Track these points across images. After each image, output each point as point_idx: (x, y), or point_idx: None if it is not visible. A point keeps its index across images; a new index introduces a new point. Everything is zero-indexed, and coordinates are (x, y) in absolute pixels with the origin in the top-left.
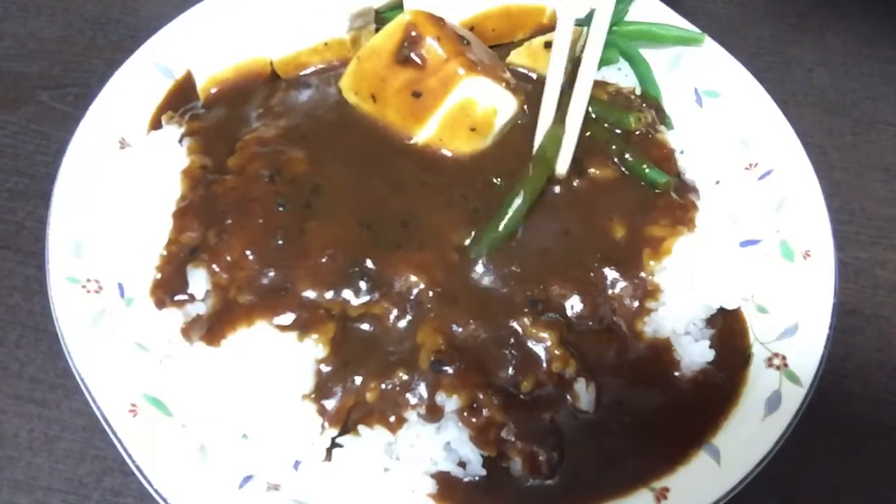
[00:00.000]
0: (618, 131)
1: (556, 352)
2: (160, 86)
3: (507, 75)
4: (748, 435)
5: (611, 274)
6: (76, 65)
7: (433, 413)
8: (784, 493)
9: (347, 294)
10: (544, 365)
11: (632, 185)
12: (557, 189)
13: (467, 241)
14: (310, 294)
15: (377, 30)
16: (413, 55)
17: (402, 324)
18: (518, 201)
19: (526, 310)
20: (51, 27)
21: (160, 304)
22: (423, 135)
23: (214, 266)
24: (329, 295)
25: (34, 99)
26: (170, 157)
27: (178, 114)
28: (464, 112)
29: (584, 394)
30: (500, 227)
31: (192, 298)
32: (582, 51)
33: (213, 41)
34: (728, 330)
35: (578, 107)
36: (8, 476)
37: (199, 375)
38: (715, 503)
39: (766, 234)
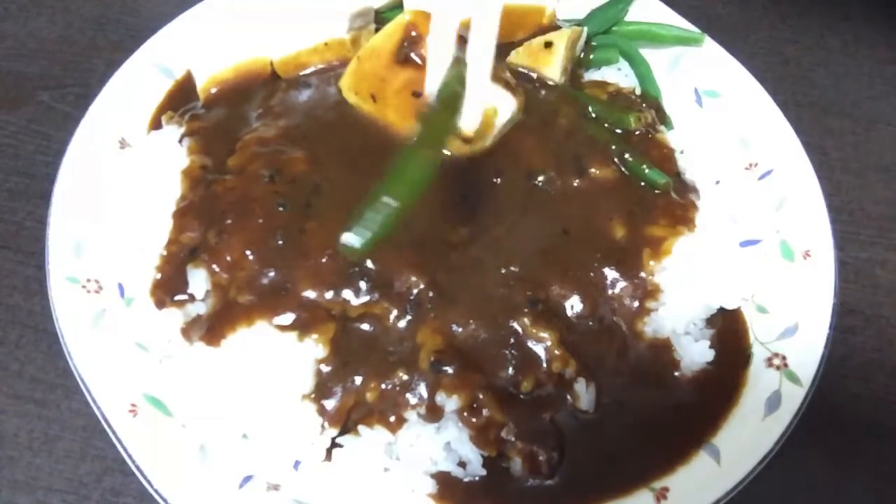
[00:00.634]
0: (618, 131)
1: (556, 352)
2: (160, 86)
3: (507, 75)
4: (748, 435)
5: (611, 274)
6: (76, 65)
7: (433, 413)
8: (784, 493)
9: (347, 294)
10: (544, 365)
11: (632, 185)
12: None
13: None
14: (310, 294)
15: (377, 30)
16: (413, 55)
17: (402, 324)
18: (408, 161)
19: (526, 310)
20: (51, 27)
21: (160, 304)
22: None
23: (214, 266)
24: (329, 295)
25: (34, 99)
26: (170, 157)
27: (178, 114)
28: None
29: (584, 394)
30: (382, 201)
31: (192, 298)
32: (582, 51)
33: (213, 41)
34: (728, 330)
35: (482, 45)
36: (8, 476)
37: (199, 375)
38: (715, 503)
39: (766, 234)
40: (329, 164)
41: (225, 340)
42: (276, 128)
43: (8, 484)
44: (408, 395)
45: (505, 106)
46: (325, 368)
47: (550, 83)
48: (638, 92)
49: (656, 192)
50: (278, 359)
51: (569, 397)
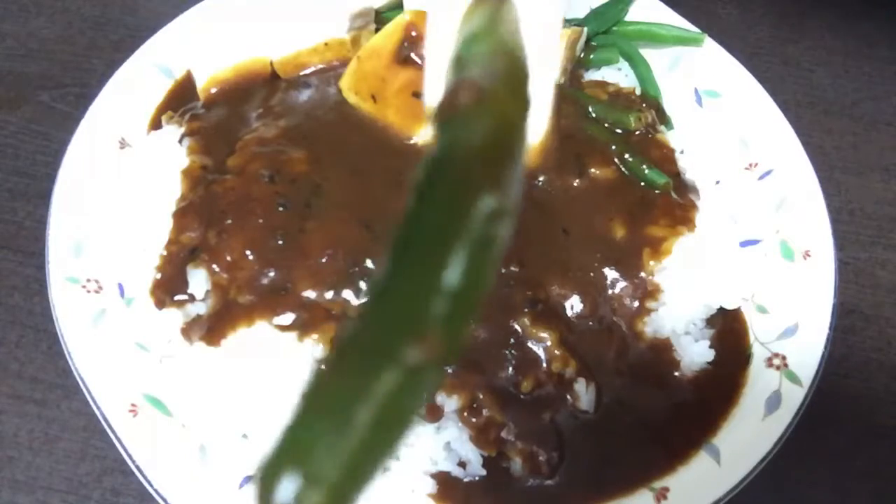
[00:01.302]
0: (618, 131)
1: (556, 352)
2: (160, 86)
3: None
4: (748, 435)
5: (611, 274)
6: (76, 65)
7: (433, 413)
8: (784, 493)
9: (347, 294)
10: (544, 365)
11: (632, 185)
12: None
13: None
14: (310, 294)
15: (377, 30)
16: (413, 55)
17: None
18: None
19: (526, 310)
20: (51, 27)
21: (160, 304)
22: (424, 135)
23: (214, 266)
24: (329, 295)
25: (34, 99)
26: (170, 157)
27: (178, 114)
28: None
29: (584, 394)
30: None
31: (192, 298)
32: (582, 51)
33: (213, 41)
34: (728, 330)
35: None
36: (8, 476)
37: (199, 375)
38: (715, 503)
39: (766, 234)
40: (329, 165)
41: (225, 340)
42: (276, 128)
43: (8, 484)
44: None
45: None
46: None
47: None
48: (638, 92)
49: (656, 192)
50: (278, 359)
51: (569, 397)
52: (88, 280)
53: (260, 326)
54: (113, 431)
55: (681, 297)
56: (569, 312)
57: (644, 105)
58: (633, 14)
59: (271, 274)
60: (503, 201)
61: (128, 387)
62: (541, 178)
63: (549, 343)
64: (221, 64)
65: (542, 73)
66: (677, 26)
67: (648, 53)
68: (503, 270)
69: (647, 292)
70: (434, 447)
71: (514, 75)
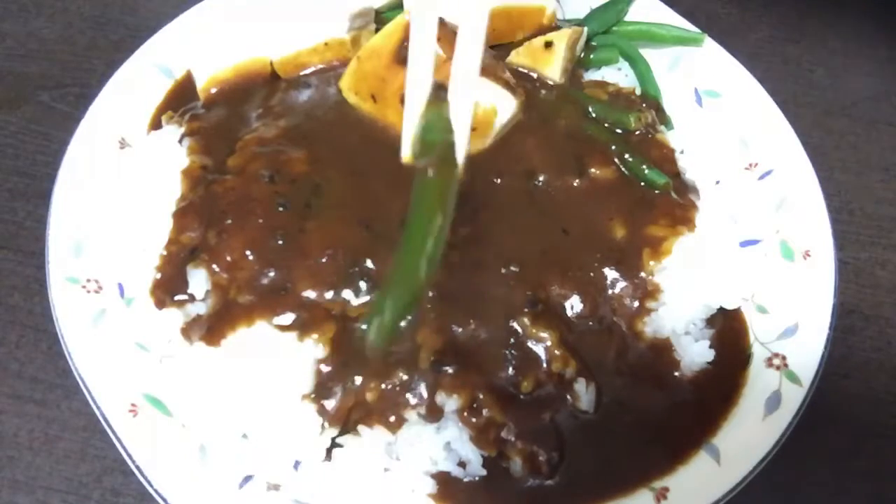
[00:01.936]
0: (618, 131)
1: (556, 352)
2: (160, 86)
3: (507, 75)
4: (748, 435)
5: (611, 274)
6: (76, 65)
7: (433, 413)
8: (784, 493)
9: (347, 294)
10: (544, 365)
11: (632, 185)
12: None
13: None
14: (310, 294)
15: (377, 30)
16: None
17: (403, 324)
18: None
19: (526, 310)
20: (51, 27)
21: (160, 304)
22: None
23: (214, 266)
24: (329, 295)
25: (34, 99)
26: (170, 157)
27: (178, 114)
28: None
29: (584, 394)
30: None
31: (192, 298)
32: (582, 51)
33: (213, 41)
34: (728, 330)
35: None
36: (8, 476)
37: (199, 375)
38: (715, 503)
39: (766, 234)
40: (329, 165)
41: (225, 340)
42: (276, 128)
43: (8, 484)
44: (408, 395)
45: (505, 106)
46: (325, 368)
47: (550, 83)
48: (638, 92)
49: (656, 192)
50: (278, 359)
51: (569, 397)
52: (88, 280)
53: (260, 326)
54: (113, 431)
55: (681, 297)
56: (569, 312)
57: (644, 105)
58: (633, 14)
59: (271, 274)
60: (446, 212)
61: (128, 387)
62: (541, 178)
63: (549, 343)
64: (221, 64)
65: (465, 92)
66: (677, 26)
67: (648, 53)
68: (503, 270)
69: (647, 292)
70: (434, 447)
71: (448, 152)
